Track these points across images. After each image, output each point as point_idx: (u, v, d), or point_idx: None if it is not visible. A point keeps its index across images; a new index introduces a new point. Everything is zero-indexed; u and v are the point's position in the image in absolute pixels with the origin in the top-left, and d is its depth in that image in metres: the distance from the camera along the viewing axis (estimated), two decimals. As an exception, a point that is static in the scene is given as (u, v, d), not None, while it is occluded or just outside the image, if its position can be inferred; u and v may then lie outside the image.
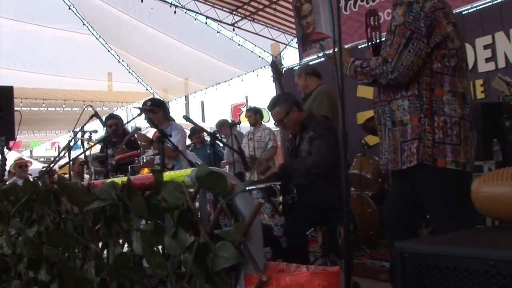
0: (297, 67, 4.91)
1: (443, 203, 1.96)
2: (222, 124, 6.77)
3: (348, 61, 2.14)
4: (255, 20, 9.41)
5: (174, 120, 4.23)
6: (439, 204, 1.98)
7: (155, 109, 3.99)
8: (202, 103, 18.32)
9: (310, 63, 7.18)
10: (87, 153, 4.24)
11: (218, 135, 3.60)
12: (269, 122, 5.74)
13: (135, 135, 4.19)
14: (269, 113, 3.37)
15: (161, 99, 7.52)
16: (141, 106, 4.09)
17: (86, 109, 4.20)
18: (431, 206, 2.02)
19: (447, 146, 1.94)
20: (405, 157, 2.01)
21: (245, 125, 9.55)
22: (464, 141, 1.96)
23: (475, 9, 5.58)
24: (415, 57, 1.92)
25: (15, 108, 3.76)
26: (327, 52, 3.49)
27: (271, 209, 2.88)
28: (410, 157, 1.99)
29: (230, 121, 7.49)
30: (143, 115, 3.80)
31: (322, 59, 7.60)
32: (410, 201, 2.11)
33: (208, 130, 4.61)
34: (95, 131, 4.48)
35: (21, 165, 6.66)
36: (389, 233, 2.26)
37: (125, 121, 4.81)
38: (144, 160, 3.78)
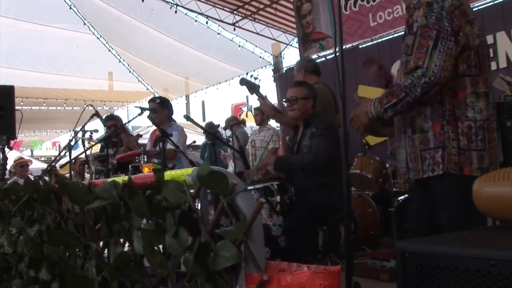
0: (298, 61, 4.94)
1: (463, 211, 1.86)
2: (231, 121, 6.76)
3: (368, 106, 1.99)
4: (256, 20, 9.40)
5: (175, 121, 4.31)
6: (458, 212, 1.88)
7: (159, 109, 4.07)
8: (203, 102, 18.37)
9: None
10: (88, 152, 4.26)
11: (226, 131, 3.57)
12: (274, 122, 5.70)
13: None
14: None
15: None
16: (148, 103, 4.20)
17: (86, 108, 4.22)
18: (449, 214, 1.92)
19: (473, 153, 1.87)
20: (426, 165, 1.94)
21: (247, 124, 9.55)
22: (489, 145, 1.89)
23: (476, 8, 5.56)
24: (446, 56, 1.83)
25: (16, 107, 3.76)
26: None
27: (269, 208, 2.87)
28: (433, 166, 1.91)
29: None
30: (146, 112, 3.85)
31: (323, 59, 7.62)
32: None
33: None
34: (96, 131, 4.51)
35: (22, 165, 6.77)
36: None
37: (125, 121, 4.86)
38: (145, 160, 3.79)
